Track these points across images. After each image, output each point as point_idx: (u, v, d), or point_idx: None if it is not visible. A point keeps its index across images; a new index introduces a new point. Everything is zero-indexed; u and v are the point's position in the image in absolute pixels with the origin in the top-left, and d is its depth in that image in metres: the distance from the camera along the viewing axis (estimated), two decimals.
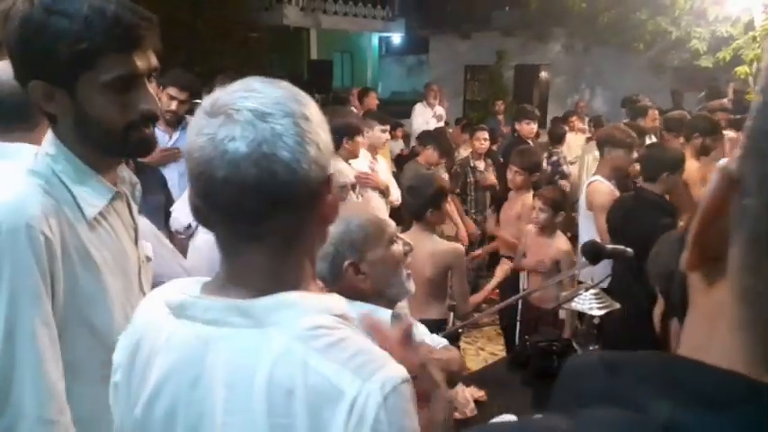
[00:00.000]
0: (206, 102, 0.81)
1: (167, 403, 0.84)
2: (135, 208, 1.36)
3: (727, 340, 0.38)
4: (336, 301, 0.88)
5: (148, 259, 1.39)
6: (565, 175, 5.63)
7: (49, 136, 1.21)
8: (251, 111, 0.77)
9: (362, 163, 3.63)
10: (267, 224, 0.81)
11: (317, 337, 0.79)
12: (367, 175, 3.60)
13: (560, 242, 3.43)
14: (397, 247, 1.51)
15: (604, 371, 0.43)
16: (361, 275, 1.43)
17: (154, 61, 1.19)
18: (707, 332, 0.41)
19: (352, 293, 1.42)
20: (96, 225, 1.21)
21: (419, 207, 2.84)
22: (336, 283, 1.45)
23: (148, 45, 1.17)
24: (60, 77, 1.12)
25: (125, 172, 1.39)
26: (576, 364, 0.49)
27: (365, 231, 1.45)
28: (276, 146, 0.76)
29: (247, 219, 0.81)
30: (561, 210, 3.46)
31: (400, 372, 0.79)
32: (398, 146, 7.67)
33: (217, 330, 0.82)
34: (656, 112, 5.91)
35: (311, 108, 0.82)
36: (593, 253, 1.61)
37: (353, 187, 2.04)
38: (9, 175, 1.18)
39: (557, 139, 6.14)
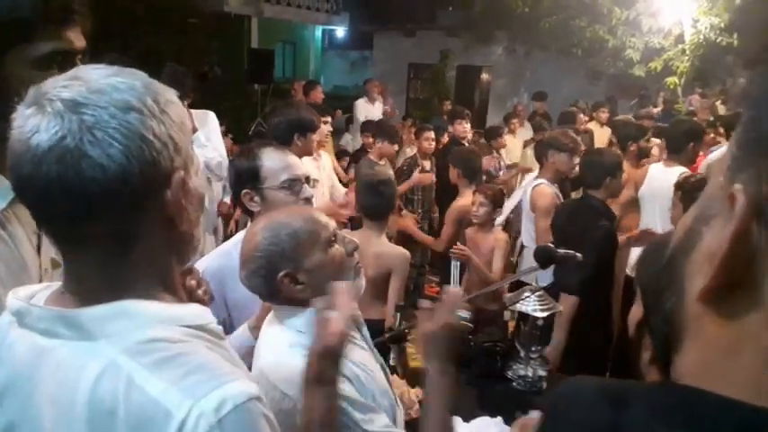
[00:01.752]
0: (30, 90, 0.72)
1: (8, 418, 0.78)
2: None
3: (757, 372, 0.36)
4: (192, 312, 0.81)
5: (55, 264, 1.22)
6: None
7: None
8: (63, 101, 0.68)
9: (305, 160, 3.53)
10: (87, 226, 0.72)
11: (148, 351, 0.71)
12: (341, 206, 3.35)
13: (497, 233, 3.54)
14: (338, 249, 1.40)
15: (607, 403, 0.40)
16: (300, 285, 1.34)
17: (83, 42, 1.11)
18: (724, 363, 0.39)
19: (296, 303, 1.36)
20: None
21: (382, 209, 2.80)
22: (275, 297, 1.38)
23: (80, 23, 1.09)
24: None
25: None
26: (571, 394, 0.46)
27: (297, 239, 1.34)
28: (83, 139, 0.67)
29: (59, 220, 0.72)
30: (500, 206, 3.58)
31: (247, 389, 0.71)
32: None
33: (48, 342, 0.75)
34: (581, 116, 6.15)
35: (148, 99, 0.72)
36: (545, 257, 1.62)
37: (307, 180, 1.95)
38: None
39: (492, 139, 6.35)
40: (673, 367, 0.43)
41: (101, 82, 0.71)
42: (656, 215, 3.76)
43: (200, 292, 1.15)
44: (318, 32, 17.80)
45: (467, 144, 5.49)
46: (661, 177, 3.74)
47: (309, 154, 3.18)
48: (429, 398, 1.29)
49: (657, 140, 4.76)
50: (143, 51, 8.23)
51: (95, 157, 0.68)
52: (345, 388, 1.23)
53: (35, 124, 0.68)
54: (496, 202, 3.49)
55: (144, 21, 9.86)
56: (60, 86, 0.70)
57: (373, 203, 2.88)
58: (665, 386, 0.41)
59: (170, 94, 0.77)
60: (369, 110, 7.57)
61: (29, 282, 1.13)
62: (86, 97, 0.69)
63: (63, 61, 1.05)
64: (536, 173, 3.99)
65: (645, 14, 8.95)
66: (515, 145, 6.92)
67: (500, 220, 4.81)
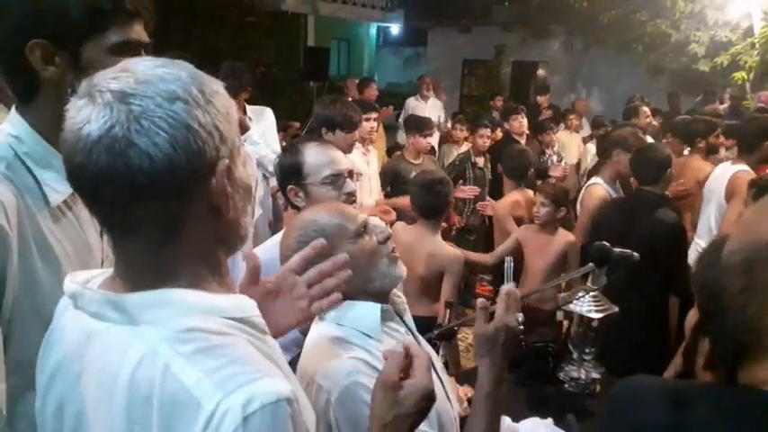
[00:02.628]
0: (83, 83, 0.75)
1: (57, 397, 0.81)
2: None
3: None
4: (235, 303, 0.81)
5: None
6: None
7: (13, 116, 1.14)
8: (113, 92, 0.71)
9: (354, 155, 3.52)
10: (133, 213, 0.74)
11: (187, 340, 0.72)
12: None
13: (564, 236, 3.39)
14: (368, 239, 1.39)
15: (669, 404, 0.39)
16: None
17: (146, 37, 1.17)
18: None
19: None
20: (60, 215, 1.14)
21: (437, 208, 2.80)
22: None
23: (145, 19, 1.15)
24: (68, 38, 1.07)
25: None
26: (633, 392, 0.45)
27: (324, 234, 1.33)
28: (131, 128, 0.69)
29: (110, 206, 0.74)
30: (563, 206, 3.42)
31: (278, 389, 0.70)
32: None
33: (97, 324, 0.77)
34: (648, 110, 5.89)
35: (193, 89, 0.74)
36: (600, 257, 1.57)
37: (350, 174, 1.95)
38: None
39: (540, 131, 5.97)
40: (745, 373, 0.41)
41: (147, 73, 0.73)
42: (711, 214, 3.63)
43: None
44: (373, 30, 17.88)
45: (523, 141, 5.37)
46: (723, 176, 3.60)
47: (344, 150, 3.17)
48: (478, 397, 1.28)
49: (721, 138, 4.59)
50: (202, 49, 8.45)
51: (142, 145, 0.70)
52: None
53: (86, 115, 0.71)
54: (558, 201, 3.34)
55: (203, 19, 10.13)
56: (110, 78, 0.73)
57: (428, 203, 2.88)
58: (732, 388, 0.39)
59: (216, 85, 0.78)
60: (420, 107, 7.53)
61: (93, 264, 1.20)
62: (134, 88, 0.71)
63: (131, 52, 1.11)
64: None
65: (711, 7, 8.59)
66: (573, 142, 6.76)
67: None
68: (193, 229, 0.77)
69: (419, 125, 4.45)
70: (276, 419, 0.69)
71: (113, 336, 0.75)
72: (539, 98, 8.47)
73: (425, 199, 2.88)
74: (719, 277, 0.46)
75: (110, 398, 0.73)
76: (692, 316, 0.80)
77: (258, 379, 0.70)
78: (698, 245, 3.61)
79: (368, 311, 1.35)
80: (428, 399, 1.04)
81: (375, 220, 1.50)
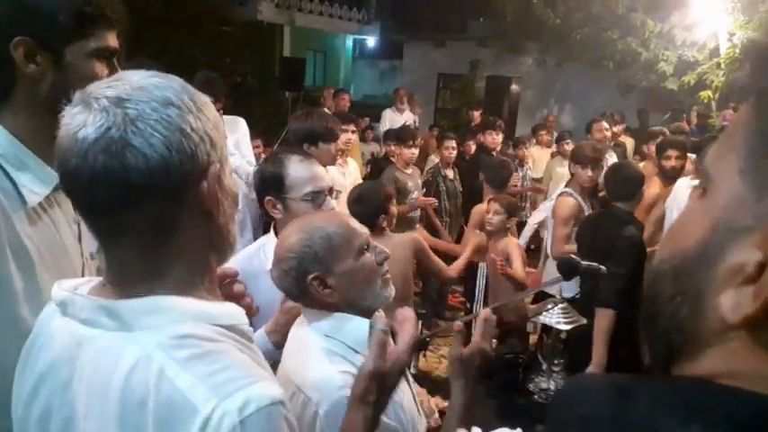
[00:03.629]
0: (76, 93, 0.78)
1: (43, 404, 0.81)
2: None
3: None
4: (224, 311, 0.83)
5: (92, 256, 1.29)
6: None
7: None
8: (108, 98, 0.74)
9: (331, 168, 3.52)
10: (127, 216, 0.75)
11: (182, 346, 0.74)
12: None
13: (509, 239, 3.59)
14: (369, 257, 1.40)
15: (615, 395, 0.40)
16: (328, 290, 1.34)
17: (118, 45, 1.21)
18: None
19: (324, 307, 1.37)
20: (36, 217, 1.14)
21: (370, 216, 2.83)
22: (304, 298, 1.39)
23: (119, 29, 1.20)
24: (53, 39, 1.10)
25: None
26: (579, 386, 0.46)
27: (330, 242, 1.35)
28: (127, 130, 0.72)
29: (104, 210, 0.76)
30: (514, 216, 3.65)
31: (272, 393, 0.73)
32: (370, 149, 7.65)
33: (89, 331, 0.78)
34: (606, 125, 6.03)
35: (185, 96, 0.77)
36: (569, 269, 1.60)
37: (330, 192, 1.96)
38: None
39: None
40: (678, 371, 0.43)
41: (141, 82, 0.76)
42: None
43: (246, 301, 1.15)
44: (349, 42, 17.95)
45: (495, 154, 5.47)
46: (686, 190, 3.69)
47: (325, 163, 3.16)
48: (450, 416, 1.29)
49: (693, 156, 4.67)
50: (177, 58, 8.39)
51: (138, 146, 0.72)
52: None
53: (82, 120, 0.73)
54: (511, 211, 3.55)
55: (178, 28, 10.06)
56: (104, 87, 0.75)
57: (357, 213, 2.93)
58: (673, 378, 0.41)
59: (204, 97, 0.81)
60: (396, 119, 7.59)
61: (68, 267, 1.20)
62: (129, 94, 0.74)
63: (108, 59, 1.16)
64: (562, 185, 3.97)
65: (679, 27, 8.83)
66: (543, 157, 6.87)
67: (526, 234, 4.79)
68: (186, 234, 0.79)
69: (405, 138, 4.55)
70: (271, 421, 0.71)
71: (106, 341, 0.76)
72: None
73: (355, 210, 2.91)
74: (652, 284, 0.49)
75: (102, 402, 0.74)
76: None
77: (253, 383, 0.72)
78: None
79: (359, 326, 1.33)
80: (402, 372, 1.11)
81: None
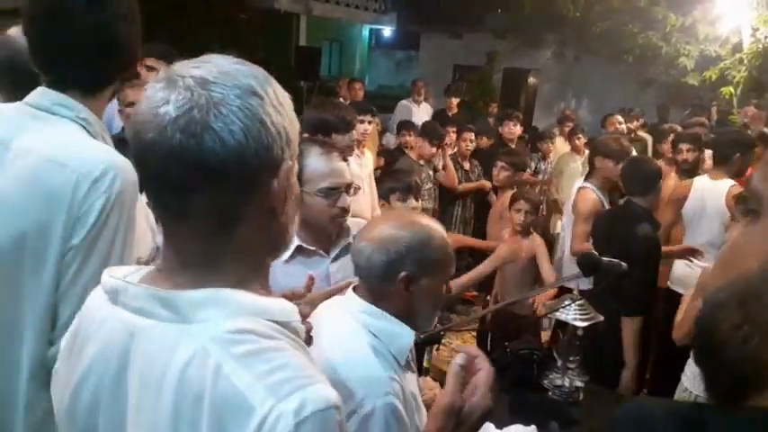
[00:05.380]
0: (160, 73, 0.77)
1: (91, 394, 0.80)
2: None
3: None
4: (280, 307, 0.80)
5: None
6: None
7: (71, 102, 1.30)
8: (194, 77, 0.73)
9: (350, 159, 3.47)
10: (194, 199, 0.74)
11: (239, 342, 0.72)
12: None
13: (535, 238, 3.50)
14: (446, 289, 1.42)
15: (684, 427, 0.37)
16: (407, 293, 1.33)
17: None
18: None
19: (383, 301, 1.34)
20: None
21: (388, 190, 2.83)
22: (376, 281, 1.35)
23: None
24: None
25: None
26: (641, 415, 0.43)
27: (439, 256, 1.36)
28: (209, 112, 0.71)
29: (173, 188, 0.74)
30: (538, 213, 3.64)
31: (328, 396, 0.71)
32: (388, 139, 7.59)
33: (142, 321, 0.76)
34: (621, 118, 5.98)
35: (269, 88, 0.77)
36: (590, 265, 1.56)
37: (348, 188, 1.90)
38: (76, 132, 1.28)
39: (535, 147, 6.27)
40: (753, 401, 0.39)
41: (227, 67, 0.76)
42: (702, 230, 3.60)
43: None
44: (366, 31, 17.87)
45: (513, 146, 5.46)
46: (707, 190, 3.60)
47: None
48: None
49: (710, 152, 4.59)
50: (192, 45, 8.37)
51: (218, 130, 0.71)
52: None
53: (164, 96, 0.72)
54: (538, 209, 3.52)
55: (194, 14, 10.06)
56: (191, 67, 0.75)
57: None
58: (746, 410, 0.37)
59: (285, 93, 0.81)
60: (412, 110, 7.52)
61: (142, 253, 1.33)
62: (215, 77, 0.73)
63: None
64: (576, 181, 3.92)
65: (701, 22, 8.68)
66: (565, 150, 6.78)
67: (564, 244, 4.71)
68: (248, 227, 0.78)
69: (432, 135, 4.58)
70: (326, 425, 0.70)
71: (161, 333, 0.74)
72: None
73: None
74: (710, 314, 0.45)
75: (156, 396, 0.72)
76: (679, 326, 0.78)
77: (309, 385, 0.71)
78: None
79: (407, 337, 1.33)
80: (486, 417, 1.06)
81: None
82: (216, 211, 0.75)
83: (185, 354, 0.72)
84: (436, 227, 1.41)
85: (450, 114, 7.47)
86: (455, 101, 7.82)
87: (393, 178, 3.22)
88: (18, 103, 1.31)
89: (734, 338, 0.40)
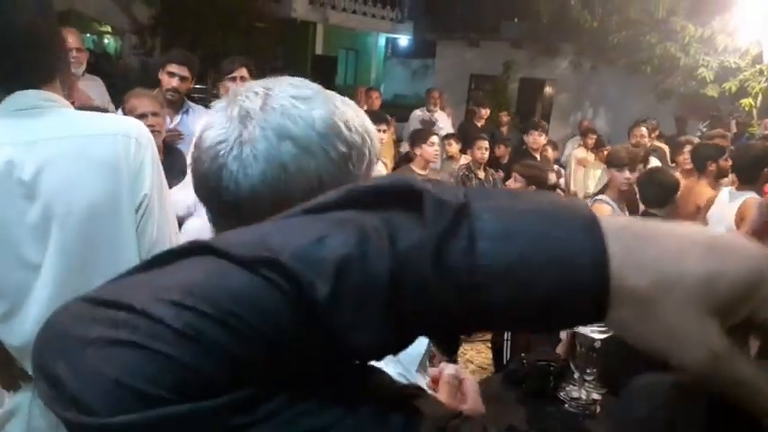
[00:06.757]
0: (232, 88, 0.75)
1: None
2: None
3: None
4: None
5: None
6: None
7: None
8: (241, 108, 0.70)
9: None
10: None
11: None
12: None
13: None
14: None
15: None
16: None
17: None
18: None
19: None
20: None
21: None
22: None
23: None
24: None
25: None
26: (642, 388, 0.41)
27: None
28: (232, 149, 0.69)
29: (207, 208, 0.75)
30: (537, 186, 3.47)
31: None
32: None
33: None
34: (645, 130, 5.94)
35: (316, 134, 0.70)
36: None
37: None
38: (77, 113, 1.34)
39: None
40: None
41: (278, 102, 0.70)
42: None
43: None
44: (382, 40, 17.94)
45: (538, 156, 5.46)
46: (728, 205, 3.55)
47: None
48: None
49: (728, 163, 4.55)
50: (209, 52, 8.45)
51: (234, 170, 0.68)
52: None
53: (213, 120, 0.71)
54: (534, 182, 3.39)
55: (213, 22, 10.16)
56: (250, 92, 0.71)
57: None
58: None
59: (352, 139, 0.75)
60: (426, 120, 7.50)
61: None
62: (256, 113, 0.69)
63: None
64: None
65: (721, 33, 8.62)
66: (589, 161, 6.75)
67: None
68: None
69: (423, 137, 4.51)
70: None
71: None
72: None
73: None
74: None
75: None
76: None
77: None
78: None
79: (420, 340, 1.30)
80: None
81: None
82: None
83: None
84: None
85: (478, 125, 7.47)
86: (484, 111, 7.79)
87: None
88: None
89: None
